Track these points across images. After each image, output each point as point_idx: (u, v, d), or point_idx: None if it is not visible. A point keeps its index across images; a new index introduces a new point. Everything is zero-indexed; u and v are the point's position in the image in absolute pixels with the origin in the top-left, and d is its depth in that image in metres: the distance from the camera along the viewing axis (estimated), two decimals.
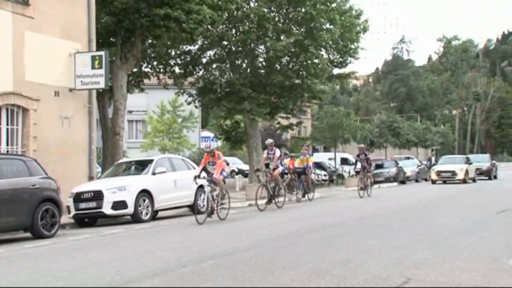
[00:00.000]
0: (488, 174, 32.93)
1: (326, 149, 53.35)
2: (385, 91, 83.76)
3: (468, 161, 31.39)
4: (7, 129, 14.86)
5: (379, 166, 33.68)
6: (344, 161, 40.96)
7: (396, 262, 6.94)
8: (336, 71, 31.87)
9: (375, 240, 8.96)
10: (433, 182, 29.97)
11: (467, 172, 29.50)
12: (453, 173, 29.30)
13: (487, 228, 10.37)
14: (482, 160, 34.60)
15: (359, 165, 20.96)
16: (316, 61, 27.72)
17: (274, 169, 16.71)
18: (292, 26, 27.70)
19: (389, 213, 13.99)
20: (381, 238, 9.18)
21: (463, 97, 79.64)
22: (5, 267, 8.02)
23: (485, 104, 79.71)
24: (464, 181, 28.76)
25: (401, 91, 79.75)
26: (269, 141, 17.36)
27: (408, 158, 41.23)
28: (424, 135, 56.19)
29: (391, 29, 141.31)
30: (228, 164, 45.05)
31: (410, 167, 35.65)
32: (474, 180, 30.19)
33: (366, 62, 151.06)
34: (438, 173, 30.03)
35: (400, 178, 32.65)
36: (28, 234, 11.67)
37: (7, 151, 14.56)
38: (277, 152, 16.86)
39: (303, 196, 19.60)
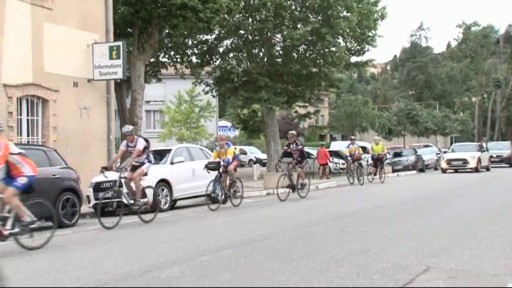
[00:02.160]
0: (509, 161, 32.42)
1: (344, 138, 53.07)
2: (403, 79, 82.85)
3: (481, 149, 29.75)
4: (28, 120, 15.05)
5: (397, 154, 33.45)
6: (363, 150, 40.70)
7: (414, 250, 6.90)
8: (353, 59, 31.64)
9: (392, 229, 8.93)
10: (443, 171, 28.63)
11: (479, 160, 28.02)
12: (465, 162, 27.83)
13: (506, 217, 10.26)
14: (503, 148, 34.10)
15: (287, 159, 16.10)
16: (333, 49, 27.52)
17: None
18: (309, 14, 27.50)
19: (406, 202, 13.90)
20: (398, 227, 9.14)
21: (483, 84, 78.50)
22: (26, 255, 8.16)
23: (506, 91, 78.43)
24: (476, 170, 27.37)
25: (420, 79, 78.83)
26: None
27: (427, 146, 40.91)
28: (443, 123, 55.64)
29: (409, 16, 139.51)
30: (245, 153, 45.21)
31: (428, 155, 35.34)
32: (487, 169, 28.77)
33: (384, 49, 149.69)
34: (449, 161, 28.63)
35: (419, 166, 32.41)
36: (49, 223, 11.82)
37: (28, 142, 14.76)
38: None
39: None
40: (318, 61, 28.26)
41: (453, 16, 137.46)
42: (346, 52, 28.79)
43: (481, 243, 7.42)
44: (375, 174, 22.47)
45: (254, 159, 41.19)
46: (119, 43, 16.76)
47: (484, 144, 32.00)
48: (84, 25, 16.42)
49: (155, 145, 27.77)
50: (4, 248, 8.59)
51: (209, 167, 14.06)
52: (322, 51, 27.49)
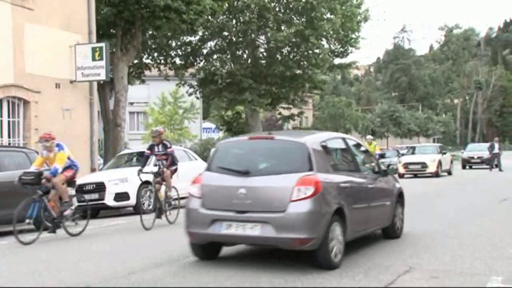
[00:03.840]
0: (489, 162, 32.55)
1: None
2: (386, 81, 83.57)
3: (442, 151, 26.67)
4: (9, 122, 14.88)
5: (381, 156, 33.66)
6: None
7: (398, 251, 6.97)
8: (337, 61, 31.82)
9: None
10: (400, 176, 24.36)
11: (440, 163, 25.02)
12: (423, 165, 24.88)
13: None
14: (484, 149, 34.33)
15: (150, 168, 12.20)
16: (317, 51, 27.65)
17: None
18: (293, 16, 27.60)
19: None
20: None
21: (465, 86, 79.45)
22: (8, 258, 8.06)
23: (487, 93, 79.49)
24: (436, 174, 24.46)
25: (403, 81, 79.58)
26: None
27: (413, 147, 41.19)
28: (425, 125, 56.23)
29: (392, 19, 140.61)
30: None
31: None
32: (449, 173, 25.97)
33: (367, 51, 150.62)
34: (406, 165, 25.50)
35: None
36: (31, 226, 11.69)
37: (9, 144, 14.58)
38: None
39: None
40: (302, 63, 28.36)
41: (435, 19, 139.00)
42: (329, 54, 28.94)
43: (463, 243, 7.50)
44: None
45: None
46: (102, 44, 16.65)
47: (496, 145, 28.71)
48: (66, 26, 16.29)
49: (139, 147, 27.65)
50: None
51: (23, 180, 9.61)
52: (305, 53, 27.60)
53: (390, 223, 7.98)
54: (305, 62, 28.18)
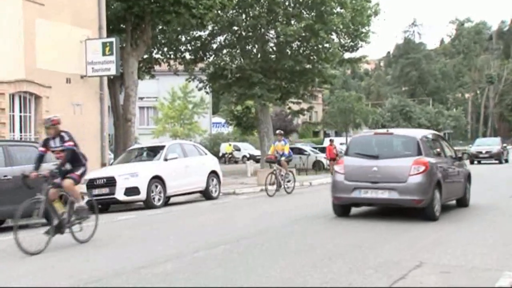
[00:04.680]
0: (498, 157, 32.16)
1: (337, 134, 53.18)
2: (396, 75, 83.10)
3: None
4: (20, 116, 14.97)
5: None
6: None
7: (408, 245, 6.95)
8: (347, 55, 31.64)
9: (385, 223, 8.96)
10: None
11: None
12: None
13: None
14: (493, 143, 33.94)
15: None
16: (327, 45, 27.50)
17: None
18: (303, 11, 27.47)
19: None
20: (392, 221, 9.18)
21: (476, 80, 78.83)
22: (20, 252, 8.12)
23: (499, 87, 78.80)
24: None
25: (413, 75, 79.10)
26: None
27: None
28: (436, 119, 55.94)
29: (403, 12, 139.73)
30: (239, 150, 45.27)
31: None
32: None
33: (377, 46, 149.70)
34: None
35: None
36: (43, 221, 11.78)
37: (21, 138, 14.68)
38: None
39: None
40: (311, 57, 28.24)
41: (446, 13, 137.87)
42: (339, 48, 28.79)
43: (473, 238, 7.47)
44: None
45: (248, 156, 41.20)
46: (112, 39, 16.68)
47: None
48: (76, 21, 16.33)
49: (149, 142, 27.74)
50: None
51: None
52: (315, 47, 27.48)
53: (463, 195, 11.05)
54: (314, 57, 28.05)
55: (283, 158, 16.27)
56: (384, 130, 11.10)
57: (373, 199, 9.51)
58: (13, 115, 14.71)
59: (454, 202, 11.03)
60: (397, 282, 5.20)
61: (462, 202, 11.13)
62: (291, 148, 34.91)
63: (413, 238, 7.56)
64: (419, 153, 9.45)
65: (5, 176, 10.62)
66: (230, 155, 42.53)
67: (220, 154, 43.08)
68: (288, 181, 16.50)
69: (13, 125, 14.67)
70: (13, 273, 6.41)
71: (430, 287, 5.06)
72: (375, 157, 9.64)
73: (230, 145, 43.55)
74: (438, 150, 10.50)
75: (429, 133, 10.95)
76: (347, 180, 9.72)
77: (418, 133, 10.31)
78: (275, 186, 15.91)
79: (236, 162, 42.28)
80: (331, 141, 29.57)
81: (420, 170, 9.14)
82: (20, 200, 10.79)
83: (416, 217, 9.23)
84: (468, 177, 11.43)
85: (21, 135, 14.86)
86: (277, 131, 17.65)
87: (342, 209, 10.10)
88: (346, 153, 10.32)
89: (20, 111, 14.96)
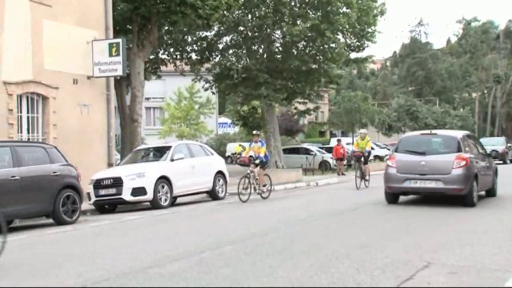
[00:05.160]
0: (503, 157, 31.69)
1: (343, 134, 53.09)
2: (403, 75, 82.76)
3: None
4: (28, 117, 15.04)
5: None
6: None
7: (415, 246, 6.92)
8: (353, 55, 31.60)
9: (392, 225, 8.94)
10: None
11: None
12: None
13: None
14: (497, 143, 33.52)
15: None
16: (333, 45, 27.47)
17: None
18: (309, 11, 27.45)
19: (406, 197, 13.91)
20: (399, 222, 9.16)
21: (483, 80, 78.39)
22: (28, 252, 8.18)
23: (506, 87, 78.30)
24: None
25: (419, 75, 78.77)
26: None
27: None
28: (443, 119, 55.72)
29: (409, 12, 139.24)
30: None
31: None
32: None
33: (383, 45, 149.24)
34: None
35: None
36: (50, 221, 11.85)
37: (28, 139, 14.75)
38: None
39: None
40: (317, 57, 28.22)
41: (452, 12, 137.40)
42: (345, 48, 28.76)
43: (481, 238, 7.44)
44: (362, 178, 17.30)
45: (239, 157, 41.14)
46: (119, 40, 16.73)
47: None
48: (83, 22, 16.39)
49: (156, 142, 27.80)
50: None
51: None
52: (321, 47, 27.45)
53: (492, 187, 13.02)
54: (321, 57, 28.03)
55: (257, 161, 14.85)
56: (428, 131, 13.42)
57: (421, 188, 11.57)
58: (20, 116, 14.78)
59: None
60: (405, 283, 5.18)
61: (491, 193, 13.11)
62: (296, 149, 35.09)
63: (421, 238, 7.54)
64: (459, 150, 11.40)
65: (13, 176, 10.68)
66: (239, 156, 42.34)
67: (229, 154, 43.06)
68: (264, 185, 15.14)
69: (20, 126, 14.74)
70: (21, 272, 6.44)
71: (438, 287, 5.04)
72: (422, 153, 11.63)
73: (240, 145, 43.50)
74: (473, 147, 12.36)
75: (465, 133, 12.80)
76: (399, 172, 11.68)
77: (458, 133, 12.39)
78: (249, 191, 14.55)
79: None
80: (338, 141, 29.55)
81: (461, 164, 11.12)
82: (28, 200, 10.92)
83: (423, 218, 9.19)
84: (495, 171, 13.58)
85: (28, 136, 14.93)
86: (254, 132, 15.98)
87: (393, 197, 12.13)
88: (396, 150, 12.31)
89: (28, 112, 15.03)
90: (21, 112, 14.79)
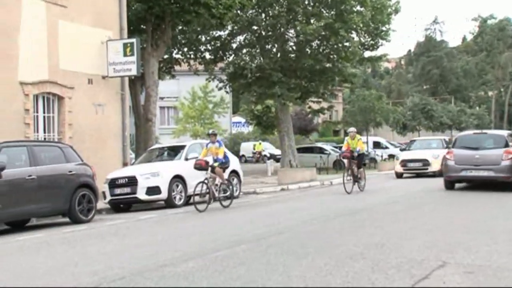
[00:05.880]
0: None
1: (357, 133, 52.96)
2: (417, 73, 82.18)
3: (448, 145, 21.61)
4: (44, 117, 15.19)
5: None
6: (377, 145, 40.58)
7: (430, 245, 6.87)
8: (367, 54, 31.44)
9: (408, 223, 8.89)
10: (399, 175, 21.63)
11: None
12: (425, 163, 21.21)
13: None
14: None
15: None
16: (347, 44, 27.37)
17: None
18: (322, 9, 27.37)
19: (420, 196, 13.85)
20: (414, 221, 9.10)
21: (500, 78, 77.55)
22: (45, 250, 8.26)
23: None
24: (440, 174, 18.82)
25: (434, 73, 78.17)
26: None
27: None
28: (458, 117, 55.19)
29: (424, 10, 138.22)
30: None
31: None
32: None
33: (398, 44, 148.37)
34: (404, 163, 21.66)
35: None
36: (66, 219, 11.96)
37: (45, 138, 14.90)
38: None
39: None
40: (331, 56, 28.13)
41: (468, 10, 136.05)
42: (359, 47, 28.62)
43: (498, 238, 7.36)
44: (354, 181, 15.57)
45: (268, 155, 41.17)
46: (133, 40, 16.83)
47: None
48: (98, 22, 16.51)
49: (170, 142, 27.92)
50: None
51: None
52: (335, 46, 27.36)
53: None
54: (334, 56, 27.94)
55: (216, 164, 13.12)
56: (479, 131, 16.47)
57: (476, 176, 14.27)
58: (37, 116, 14.94)
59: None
60: (420, 282, 5.14)
61: None
62: (310, 148, 34.97)
63: (436, 238, 7.49)
64: (506, 145, 14.11)
65: (29, 175, 10.80)
66: (258, 155, 42.20)
67: (243, 153, 43.08)
68: (225, 192, 13.33)
69: (37, 126, 14.90)
70: (39, 270, 6.51)
71: (453, 287, 5.00)
72: (476, 148, 14.36)
73: (260, 143, 43.41)
74: None
75: (509, 132, 15.74)
76: (456, 164, 14.39)
77: (504, 132, 15.57)
78: (207, 198, 12.99)
79: (262, 161, 42.32)
80: None
81: (509, 157, 13.77)
82: (45, 199, 11.03)
83: (439, 217, 9.11)
84: None
85: (44, 136, 15.08)
86: (210, 131, 14.08)
87: (451, 184, 14.97)
88: (453, 146, 15.17)
89: (44, 112, 15.18)
90: (37, 112, 14.95)
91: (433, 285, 5.05)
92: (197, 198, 12.80)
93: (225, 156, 13.51)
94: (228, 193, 13.41)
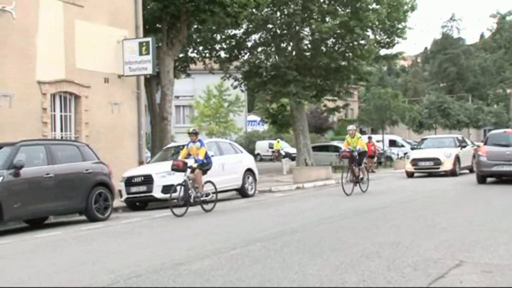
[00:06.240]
0: None
1: (373, 131, 52.63)
2: (434, 71, 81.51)
3: (461, 143, 22.07)
4: (61, 116, 15.35)
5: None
6: (392, 143, 40.36)
7: (447, 244, 6.82)
8: (383, 51, 31.27)
9: (423, 222, 8.83)
10: (409, 175, 21.05)
11: (457, 159, 20.68)
12: (436, 162, 20.53)
13: None
14: None
15: None
16: (362, 42, 27.25)
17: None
18: (338, 7, 27.28)
19: (434, 195, 13.73)
20: (430, 221, 9.03)
21: None
22: (62, 248, 8.35)
23: None
24: (452, 173, 20.20)
25: (451, 71, 77.47)
26: None
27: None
28: (475, 115, 54.66)
29: (440, 7, 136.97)
30: (272, 147, 44.98)
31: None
32: (471, 170, 21.10)
33: (414, 42, 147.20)
34: (415, 162, 21.01)
35: None
36: (83, 217, 12.07)
37: (62, 137, 15.06)
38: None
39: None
40: (347, 54, 28.03)
41: (486, 6, 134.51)
42: (375, 44, 28.49)
43: None
44: (356, 182, 14.68)
45: (284, 154, 41.14)
46: (149, 39, 16.92)
47: None
48: (114, 22, 16.63)
49: (185, 140, 28.04)
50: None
51: None
52: (351, 44, 27.26)
53: None
54: (350, 54, 27.83)
55: (195, 165, 11.94)
56: (510, 130, 17.83)
57: (507, 171, 15.54)
58: (54, 115, 15.09)
59: None
60: (436, 281, 5.10)
61: None
62: (326, 146, 34.86)
63: (453, 236, 7.42)
64: None
65: (47, 174, 10.92)
66: (277, 153, 42.02)
67: (258, 152, 42.95)
68: (207, 196, 12.30)
69: (54, 125, 15.06)
70: (56, 267, 6.58)
71: (471, 287, 4.96)
72: (507, 145, 15.71)
73: (278, 142, 43.34)
74: None
75: None
76: (488, 160, 15.67)
77: None
78: (184, 202, 11.85)
79: (271, 159, 42.26)
80: (369, 138, 29.28)
81: None
82: (62, 197, 11.15)
83: (455, 216, 9.04)
84: None
85: (61, 134, 15.23)
86: (190, 130, 12.87)
87: (483, 179, 16.14)
88: (485, 143, 16.47)
89: (61, 111, 15.34)
90: (54, 111, 15.11)
91: (449, 284, 5.01)
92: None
93: (207, 157, 12.28)
94: (210, 196, 12.30)
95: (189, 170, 11.90)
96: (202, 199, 12.07)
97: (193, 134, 12.46)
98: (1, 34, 13.58)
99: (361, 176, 14.78)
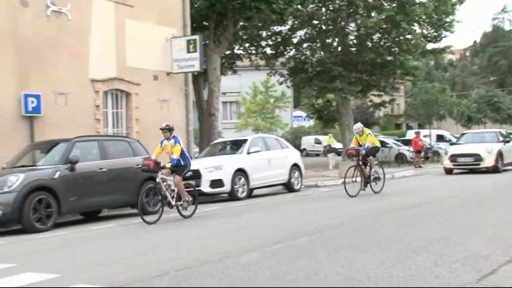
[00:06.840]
0: None
1: (420, 126, 51.67)
2: (483, 65, 79.17)
3: (504, 138, 20.73)
4: (113, 113, 15.87)
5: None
6: (440, 138, 39.55)
7: (497, 240, 6.74)
8: (430, 46, 30.68)
9: (471, 218, 8.74)
10: (448, 171, 20.05)
11: (500, 155, 19.42)
12: (477, 158, 19.38)
13: None
14: None
15: None
16: (409, 36, 26.85)
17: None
18: (383, 2, 26.95)
19: (484, 191, 13.47)
20: (478, 216, 8.93)
21: None
22: (116, 240, 8.71)
23: None
24: (494, 169, 19.05)
25: (502, 64, 75.07)
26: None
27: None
28: None
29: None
30: (319, 143, 44.80)
31: None
32: None
33: (462, 35, 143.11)
34: (453, 158, 19.89)
35: None
36: (134, 211, 12.47)
37: (113, 133, 15.57)
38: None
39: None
40: (393, 49, 27.68)
41: None
42: (422, 39, 28.00)
43: None
44: (366, 182, 13.68)
45: (329, 149, 40.93)
46: (196, 36, 17.24)
47: None
48: (162, 20, 17.02)
49: (232, 136, 28.34)
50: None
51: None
52: (397, 39, 26.90)
53: None
54: (396, 48, 27.47)
55: (169, 165, 10.74)
56: None
57: None
58: (106, 112, 15.61)
59: None
60: (486, 277, 5.04)
61: None
62: None
63: (503, 232, 7.33)
64: None
65: (101, 168, 11.35)
66: (329, 147, 41.77)
67: (310, 147, 42.60)
68: (186, 201, 10.86)
69: (106, 121, 15.58)
70: (112, 257, 6.88)
71: None
72: None
73: (330, 137, 43.23)
74: None
75: None
76: None
77: None
78: (158, 208, 11.02)
79: (317, 155, 42.11)
80: (417, 133, 28.85)
81: None
82: (114, 191, 11.56)
83: (506, 212, 8.89)
84: None
85: (113, 130, 15.74)
86: (163, 125, 10.97)
87: None
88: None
89: (112, 108, 15.85)
90: (106, 108, 15.63)
91: (500, 281, 4.95)
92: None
93: (184, 156, 10.80)
94: (188, 201, 10.90)
95: (166, 171, 10.62)
96: (180, 203, 10.73)
97: (166, 130, 10.76)
98: (57, 35, 14.15)
99: (372, 174, 13.64)
